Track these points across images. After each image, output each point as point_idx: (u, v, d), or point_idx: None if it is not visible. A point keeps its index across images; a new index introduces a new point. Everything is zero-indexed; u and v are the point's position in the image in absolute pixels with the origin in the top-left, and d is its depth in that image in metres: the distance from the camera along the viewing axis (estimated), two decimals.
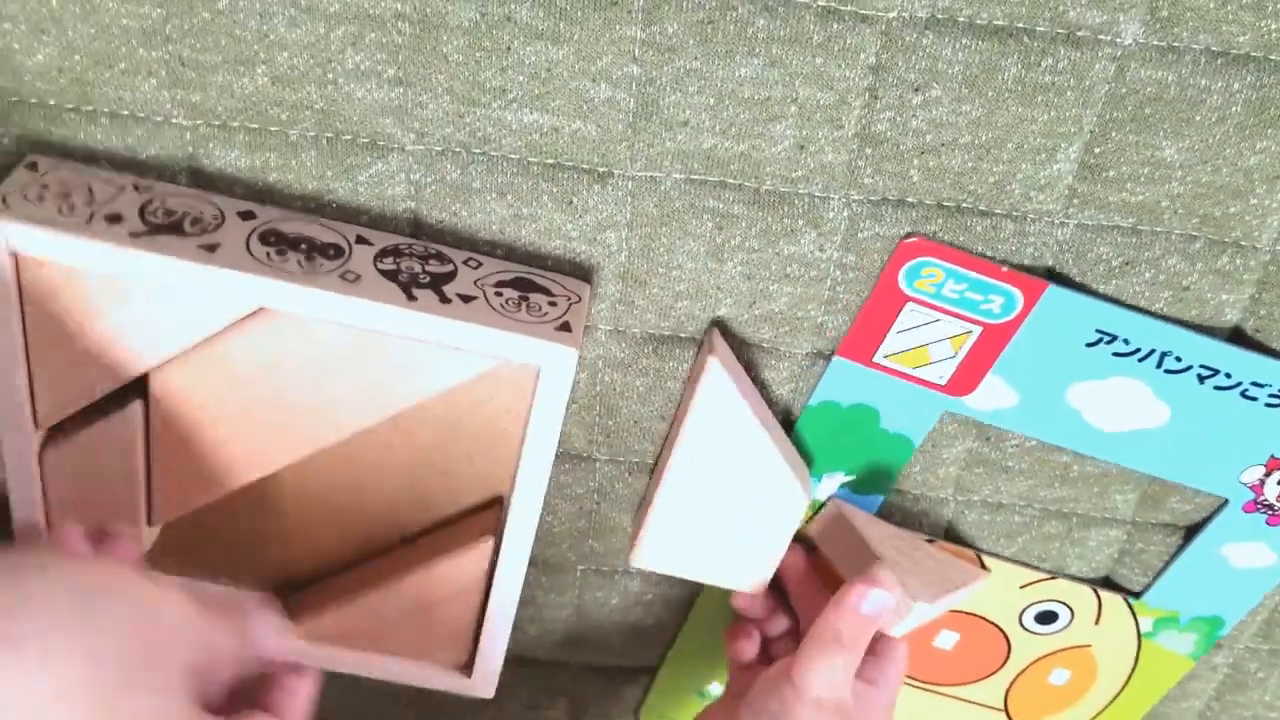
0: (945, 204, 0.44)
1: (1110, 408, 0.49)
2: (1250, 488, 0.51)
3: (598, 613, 0.59)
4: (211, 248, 0.42)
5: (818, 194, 0.44)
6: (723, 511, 0.51)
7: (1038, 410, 0.49)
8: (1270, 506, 0.52)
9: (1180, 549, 0.55)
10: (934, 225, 0.45)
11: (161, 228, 0.42)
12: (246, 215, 0.44)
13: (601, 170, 0.44)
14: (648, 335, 0.49)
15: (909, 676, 0.62)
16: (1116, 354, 0.47)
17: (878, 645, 0.51)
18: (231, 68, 0.42)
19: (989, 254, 0.45)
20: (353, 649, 0.54)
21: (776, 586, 0.55)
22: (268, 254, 0.43)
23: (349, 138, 0.43)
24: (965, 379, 0.49)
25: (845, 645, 0.49)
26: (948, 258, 0.45)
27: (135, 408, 0.47)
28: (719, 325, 0.48)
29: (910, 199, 0.44)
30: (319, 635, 0.53)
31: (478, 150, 0.43)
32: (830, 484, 0.53)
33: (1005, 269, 0.45)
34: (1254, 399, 0.48)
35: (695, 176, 0.44)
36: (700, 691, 0.63)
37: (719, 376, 0.47)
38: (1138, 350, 0.47)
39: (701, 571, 0.53)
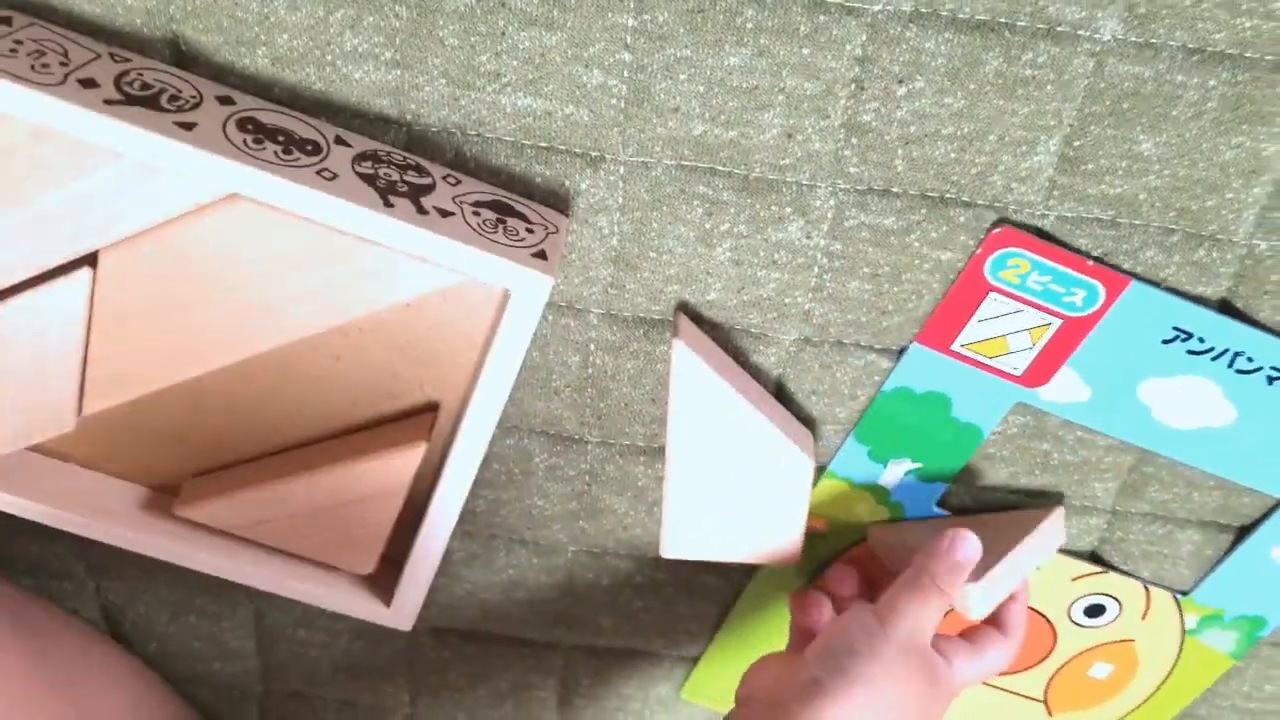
0: (929, 194, 0.45)
1: (1179, 405, 0.50)
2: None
3: (588, 594, 0.60)
4: (188, 126, 0.41)
5: (805, 182, 0.45)
6: (733, 489, 0.52)
7: (1108, 405, 0.50)
8: None
9: (1231, 547, 0.56)
10: (918, 215, 0.46)
11: (137, 99, 0.41)
12: (224, 100, 0.43)
13: (594, 155, 0.45)
14: (639, 318, 0.50)
15: None
16: (1191, 352, 0.48)
17: (975, 633, 0.52)
18: (233, 49, 0.43)
19: (971, 245, 0.46)
20: (261, 538, 0.53)
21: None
22: (244, 140, 0.42)
23: (346, 118, 0.44)
24: (1040, 371, 0.49)
25: (940, 588, 0.49)
26: (1035, 249, 0.46)
27: (83, 276, 0.46)
28: (685, 309, 0.49)
29: (895, 189, 0.45)
30: (228, 519, 0.52)
31: (473, 133, 0.45)
32: (896, 470, 0.54)
33: (1091, 263, 0.46)
34: None
35: (686, 162, 0.45)
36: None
37: (687, 357, 0.48)
38: (1212, 349, 0.48)
39: (731, 551, 0.54)
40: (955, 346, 0.49)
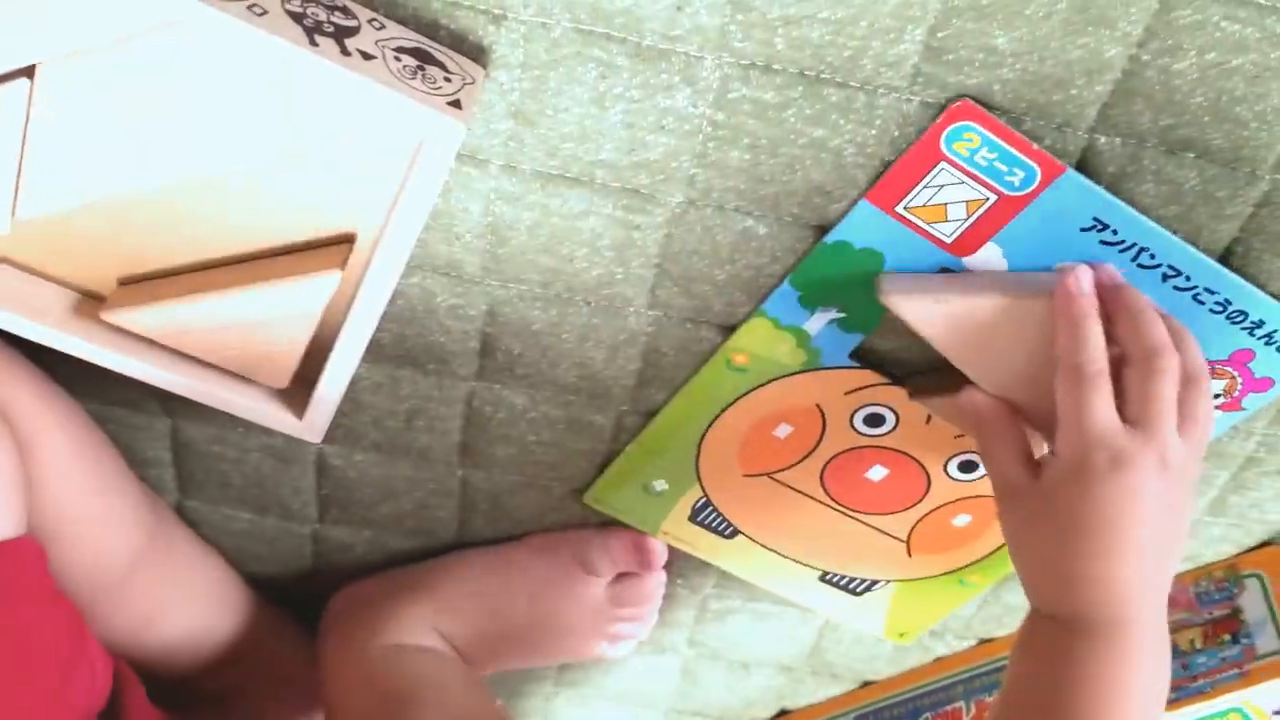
0: (807, 73, 0.49)
1: None
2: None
3: (486, 425, 0.65)
4: None
5: (693, 53, 0.48)
6: None
7: None
8: None
9: None
10: (795, 92, 0.49)
11: None
12: None
13: (496, 12, 0.48)
14: (536, 172, 0.53)
15: (833, 498, 0.68)
16: (1103, 242, 0.52)
17: None
18: None
19: (843, 124, 0.50)
20: (183, 347, 0.57)
21: None
22: None
23: None
24: (969, 241, 0.53)
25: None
26: (989, 126, 0.49)
27: (21, 86, 0.48)
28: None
29: (776, 65, 0.49)
30: (152, 327, 0.56)
31: None
32: (822, 318, 0.57)
33: (1035, 146, 0.49)
34: (1203, 303, 0.54)
35: (582, 26, 0.48)
36: (646, 486, 0.68)
37: None
38: (1122, 242, 0.52)
39: None
40: (899, 208, 0.52)
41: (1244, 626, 0.66)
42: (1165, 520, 0.51)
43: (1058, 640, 0.52)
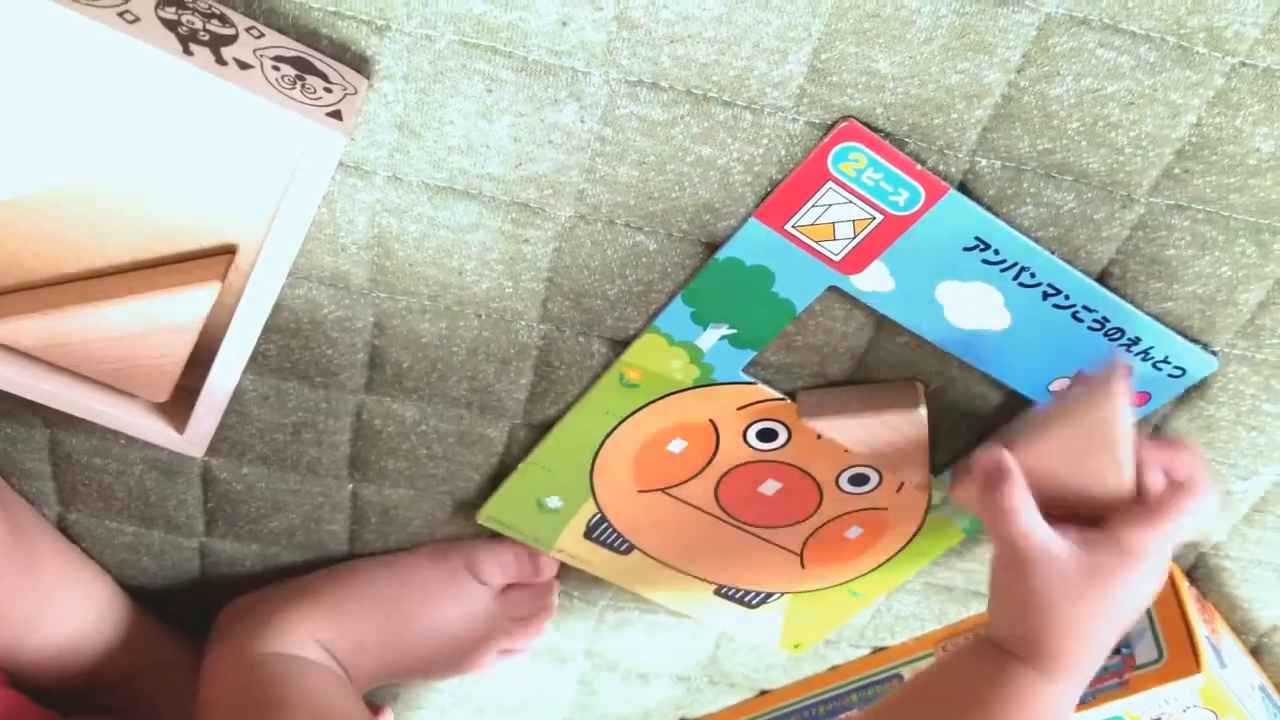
0: (694, 91, 0.49)
1: (966, 307, 0.55)
2: (1054, 395, 0.59)
3: (376, 439, 0.64)
4: None
5: (580, 69, 0.48)
6: None
7: (908, 299, 0.55)
8: None
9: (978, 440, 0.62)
10: (682, 110, 0.49)
11: None
12: None
13: (379, 23, 0.47)
14: (423, 184, 0.52)
15: (727, 512, 0.68)
16: (985, 261, 0.53)
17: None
18: None
19: (730, 142, 0.50)
20: (58, 360, 0.55)
21: None
22: None
23: None
24: (856, 260, 0.53)
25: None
26: (874, 147, 0.49)
27: None
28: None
29: (663, 83, 0.48)
30: (24, 339, 0.54)
31: None
32: (714, 334, 0.57)
33: (919, 168, 0.50)
34: (1081, 320, 0.55)
35: (467, 39, 0.47)
36: (540, 503, 0.67)
37: None
38: (1004, 261, 0.53)
39: None
40: (788, 227, 0.53)
41: (1125, 637, 0.67)
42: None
43: (1011, 672, 0.55)
